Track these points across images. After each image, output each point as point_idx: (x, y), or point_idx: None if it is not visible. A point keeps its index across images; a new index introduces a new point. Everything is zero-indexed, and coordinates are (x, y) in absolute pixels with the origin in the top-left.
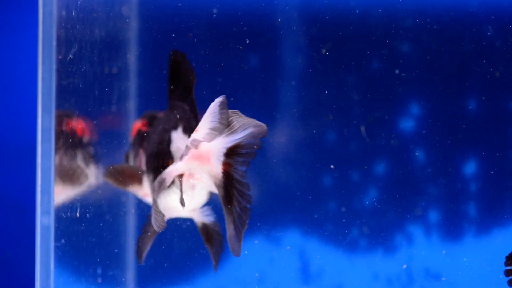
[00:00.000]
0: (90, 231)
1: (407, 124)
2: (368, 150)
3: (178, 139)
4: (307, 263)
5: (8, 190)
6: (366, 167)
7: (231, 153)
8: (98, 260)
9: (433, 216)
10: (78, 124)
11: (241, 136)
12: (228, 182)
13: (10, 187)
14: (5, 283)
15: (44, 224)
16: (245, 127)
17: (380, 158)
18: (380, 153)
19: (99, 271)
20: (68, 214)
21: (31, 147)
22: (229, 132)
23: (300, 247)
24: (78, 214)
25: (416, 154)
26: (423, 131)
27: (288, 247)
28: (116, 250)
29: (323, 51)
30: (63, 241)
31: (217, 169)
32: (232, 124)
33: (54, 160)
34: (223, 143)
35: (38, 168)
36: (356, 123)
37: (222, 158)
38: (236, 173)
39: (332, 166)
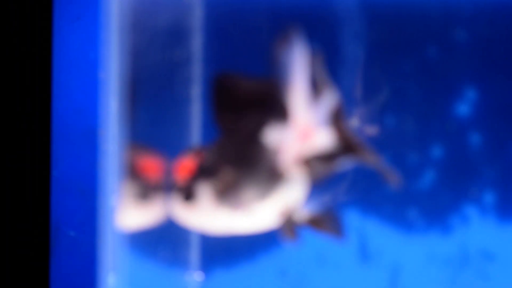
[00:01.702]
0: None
1: (463, 109)
2: (425, 133)
3: (271, 132)
4: (365, 243)
5: (73, 173)
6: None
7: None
8: (164, 240)
9: (489, 197)
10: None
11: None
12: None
13: (77, 170)
14: (69, 265)
15: (110, 205)
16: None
17: (436, 141)
18: (437, 136)
19: (165, 251)
20: None
21: (96, 130)
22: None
23: (358, 228)
24: None
25: (472, 137)
26: (479, 115)
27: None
28: (181, 230)
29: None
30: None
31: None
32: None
33: (119, 143)
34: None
35: (103, 151)
36: (412, 108)
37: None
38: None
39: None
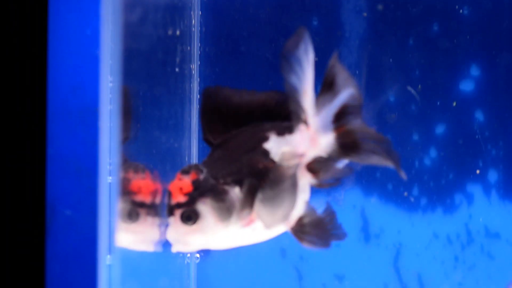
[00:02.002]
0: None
1: (467, 86)
2: (429, 111)
3: (275, 144)
4: (367, 222)
5: (71, 151)
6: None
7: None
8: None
9: (492, 176)
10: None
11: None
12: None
13: (73, 148)
14: (67, 243)
15: (107, 183)
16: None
17: (440, 119)
18: (440, 114)
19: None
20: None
21: (94, 108)
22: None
23: (360, 207)
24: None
25: (476, 115)
26: (483, 93)
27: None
28: None
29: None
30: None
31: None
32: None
33: (117, 121)
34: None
35: (101, 129)
36: (416, 85)
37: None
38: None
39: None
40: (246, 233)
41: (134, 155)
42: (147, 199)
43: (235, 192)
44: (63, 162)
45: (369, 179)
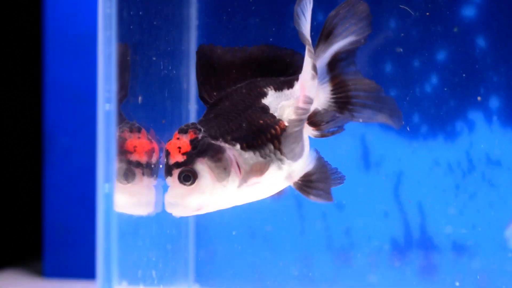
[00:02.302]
0: (151, 117)
1: (469, 11)
2: (430, 37)
3: (273, 99)
4: (367, 150)
5: (69, 78)
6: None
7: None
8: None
9: (494, 103)
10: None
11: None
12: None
13: (71, 75)
14: (65, 171)
15: (106, 110)
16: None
17: (441, 45)
18: (442, 40)
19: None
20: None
21: (92, 35)
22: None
23: (360, 134)
24: (140, 100)
25: (477, 41)
26: (485, 19)
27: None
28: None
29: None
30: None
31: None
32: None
33: (115, 47)
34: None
35: (99, 56)
36: (417, 10)
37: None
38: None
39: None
40: (244, 192)
41: (131, 113)
42: (143, 159)
43: (237, 150)
44: (61, 90)
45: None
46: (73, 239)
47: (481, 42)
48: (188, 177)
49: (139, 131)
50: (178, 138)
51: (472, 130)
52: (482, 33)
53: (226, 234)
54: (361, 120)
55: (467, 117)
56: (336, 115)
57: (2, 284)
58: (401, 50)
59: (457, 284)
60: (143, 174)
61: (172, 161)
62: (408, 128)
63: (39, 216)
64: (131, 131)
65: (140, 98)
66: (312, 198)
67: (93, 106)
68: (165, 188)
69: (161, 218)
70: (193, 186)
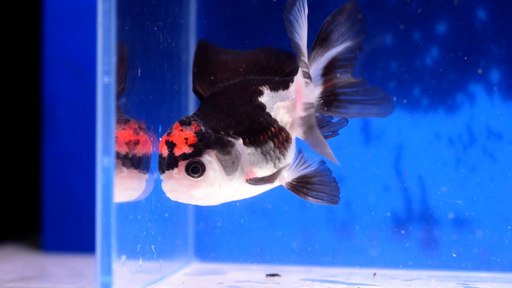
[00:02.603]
0: (150, 90)
1: None
2: (430, 10)
3: (269, 98)
4: (368, 123)
5: (68, 50)
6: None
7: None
8: (157, 117)
9: (495, 75)
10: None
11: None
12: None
13: (70, 47)
14: (64, 144)
15: (105, 83)
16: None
17: (442, 17)
18: (442, 12)
19: (160, 128)
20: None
21: (91, 8)
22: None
23: None
24: (139, 73)
25: (478, 13)
26: None
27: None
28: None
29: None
30: (124, 100)
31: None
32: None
33: (114, 21)
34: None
35: (98, 28)
36: None
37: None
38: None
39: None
40: (246, 187)
41: (129, 107)
42: (122, 150)
43: (239, 144)
44: (60, 62)
45: (370, 79)
46: (72, 213)
47: (481, 14)
48: (197, 168)
49: (125, 122)
50: (181, 130)
51: (473, 103)
52: (483, 5)
53: (225, 208)
54: (352, 116)
55: (467, 90)
56: (331, 120)
57: (2, 257)
58: (403, 26)
59: (454, 255)
60: (122, 164)
61: (178, 152)
62: (405, 101)
63: (38, 190)
64: (117, 122)
65: (139, 70)
66: (311, 200)
67: (93, 78)
68: (157, 181)
69: (160, 193)
70: (201, 178)
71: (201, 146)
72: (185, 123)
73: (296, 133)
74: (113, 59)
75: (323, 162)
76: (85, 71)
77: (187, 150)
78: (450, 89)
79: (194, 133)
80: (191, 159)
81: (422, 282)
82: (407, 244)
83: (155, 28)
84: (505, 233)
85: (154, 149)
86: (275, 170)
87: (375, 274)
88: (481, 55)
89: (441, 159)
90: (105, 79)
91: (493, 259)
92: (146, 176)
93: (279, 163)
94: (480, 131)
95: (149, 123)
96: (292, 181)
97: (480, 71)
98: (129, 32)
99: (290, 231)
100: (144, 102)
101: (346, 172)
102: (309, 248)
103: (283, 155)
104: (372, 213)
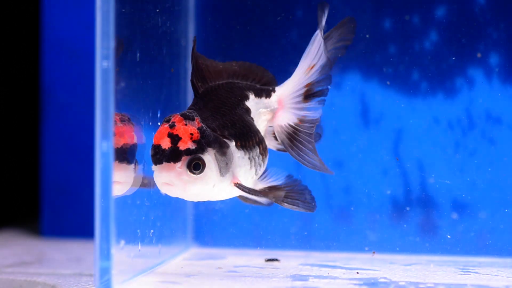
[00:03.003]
0: (150, 75)
1: None
2: None
3: (254, 104)
4: (367, 107)
5: (67, 36)
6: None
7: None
8: (156, 102)
9: (494, 59)
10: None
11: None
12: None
13: (69, 33)
14: (62, 128)
15: (104, 67)
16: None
17: (441, 1)
18: None
19: (159, 114)
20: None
21: None
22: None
23: (360, 91)
24: (137, 58)
25: None
26: None
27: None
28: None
29: None
30: (122, 84)
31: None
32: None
33: (113, 4)
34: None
35: (97, 12)
36: None
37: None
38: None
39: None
40: (229, 189)
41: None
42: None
43: (232, 146)
44: (59, 47)
45: (368, 63)
46: (71, 198)
47: None
48: (199, 165)
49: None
50: (186, 124)
51: (472, 87)
52: None
53: None
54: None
55: (467, 74)
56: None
57: (0, 243)
58: (408, 17)
59: (449, 236)
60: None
61: (183, 146)
62: (388, 83)
63: (36, 175)
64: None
65: (138, 55)
66: (287, 206)
67: (91, 63)
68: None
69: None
70: (199, 175)
71: (203, 143)
72: (189, 117)
73: (269, 143)
74: (112, 43)
75: (290, 176)
76: (84, 55)
77: (192, 145)
78: (449, 73)
79: (197, 129)
80: (194, 155)
81: (421, 267)
82: (406, 229)
83: (157, 10)
84: (504, 217)
85: (138, 141)
86: (255, 177)
87: (374, 252)
88: (480, 39)
89: (440, 143)
90: (103, 63)
91: (492, 244)
92: (134, 167)
93: (259, 170)
94: (479, 115)
95: (136, 114)
96: (265, 188)
97: (479, 55)
98: (127, 15)
99: (288, 215)
100: (143, 86)
101: (345, 157)
102: (307, 233)
103: (264, 163)
104: (371, 197)
